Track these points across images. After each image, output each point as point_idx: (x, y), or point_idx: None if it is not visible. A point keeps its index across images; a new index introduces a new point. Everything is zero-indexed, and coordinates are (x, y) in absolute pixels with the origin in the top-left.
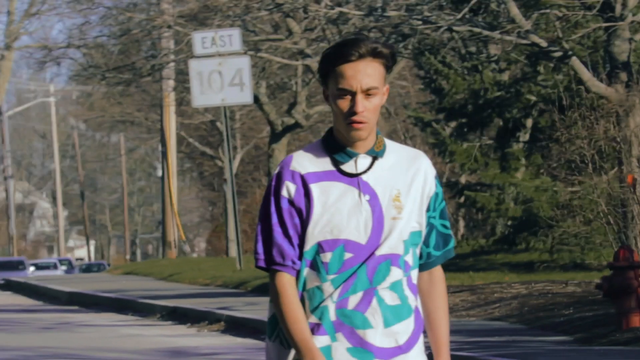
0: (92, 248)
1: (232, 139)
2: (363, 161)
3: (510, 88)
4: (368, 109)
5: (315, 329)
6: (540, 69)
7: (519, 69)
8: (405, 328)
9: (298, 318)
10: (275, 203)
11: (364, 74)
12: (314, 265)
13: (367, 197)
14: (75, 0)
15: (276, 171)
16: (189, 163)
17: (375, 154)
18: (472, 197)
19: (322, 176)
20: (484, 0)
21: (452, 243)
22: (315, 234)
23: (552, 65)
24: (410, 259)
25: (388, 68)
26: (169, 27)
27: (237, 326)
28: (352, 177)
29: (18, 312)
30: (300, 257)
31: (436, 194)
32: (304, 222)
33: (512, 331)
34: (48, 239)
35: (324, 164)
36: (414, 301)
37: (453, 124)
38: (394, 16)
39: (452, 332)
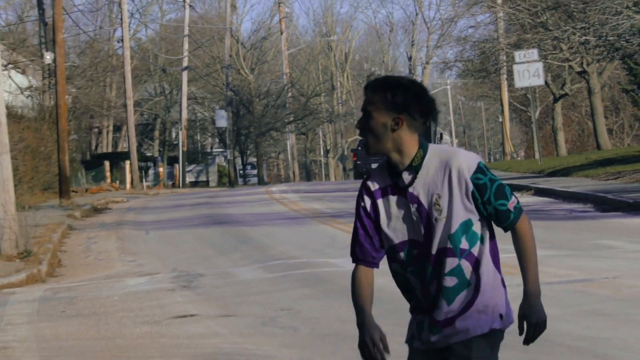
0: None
1: (534, 101)
2: (407, 176)
3: None
4: (365, 128)
5: (412, 309)
6: None
7: None
8: (461, 297)
9: (360, 296)
10: (357, 211)
11: (365, 99)
12: (396, 260)
13: (415, 205)
14: (458, 38)
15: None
16: (514, 114)
17: (414, 168)
18: None
19: (385, 192)
20: None
21: (512, 215)
22: (387, 237)
23: None
24: (465, 244)
25: (391, 102)
26: (503, 49)
27: (540, 193)
28: (403, 190)
29: None
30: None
31: (478, 186)
32: (378, 228)
33: None
34: None
35: (386, 180)
36: (472, 273)
37: None
38: (612, 39)
39: None
